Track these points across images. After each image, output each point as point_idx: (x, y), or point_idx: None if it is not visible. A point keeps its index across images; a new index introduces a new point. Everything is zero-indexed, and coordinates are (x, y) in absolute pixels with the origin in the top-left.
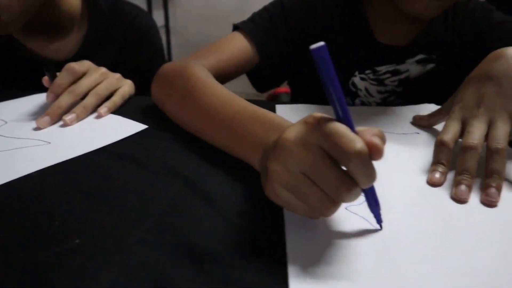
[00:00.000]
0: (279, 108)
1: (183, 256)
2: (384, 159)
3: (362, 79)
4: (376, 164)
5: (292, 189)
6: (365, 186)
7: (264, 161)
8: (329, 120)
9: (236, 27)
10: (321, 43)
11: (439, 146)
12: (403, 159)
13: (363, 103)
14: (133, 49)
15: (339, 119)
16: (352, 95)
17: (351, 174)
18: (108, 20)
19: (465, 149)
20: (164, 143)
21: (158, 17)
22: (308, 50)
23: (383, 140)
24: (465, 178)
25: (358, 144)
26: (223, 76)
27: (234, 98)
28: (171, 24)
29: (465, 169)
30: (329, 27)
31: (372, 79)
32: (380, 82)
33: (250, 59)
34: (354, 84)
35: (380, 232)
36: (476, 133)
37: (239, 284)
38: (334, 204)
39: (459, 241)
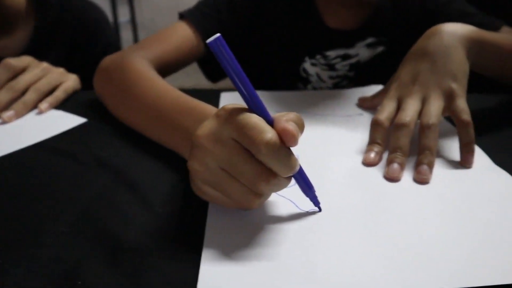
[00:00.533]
0: (224, 95)
1: (100, 247)
2: (324, 142)
3: (312, 64)
4: (315, 146)
5: (215, 185)
6: (286, 175)
7: None
8: (241, 111)
9: (181, 16)
10: (217, 35)
11: (374, 126)
12: (344, 141)
13: (315, 89)
14: (85, 43)
15: (250, 109)
16: (303, 81)
17: (267, 165)
18: (57, 15)
19: (397, 126)
20: (101, 137)
21: (123, 12)
22: (258, 36)
23: (300, 124)
24: (397, 156)
25: (268, 134)
26: (167, 67)
27: (168, 90)
28: (138, 19)
29: (398, 147)
30: (276, 12)
31: (323, 64)
32: (331, 67)
33: (195, 49)
34: (305, 70)
35: (308, 215)
36: (409, 110)
37: (150, 271)
38: (256, 196)
39: (390, 220)
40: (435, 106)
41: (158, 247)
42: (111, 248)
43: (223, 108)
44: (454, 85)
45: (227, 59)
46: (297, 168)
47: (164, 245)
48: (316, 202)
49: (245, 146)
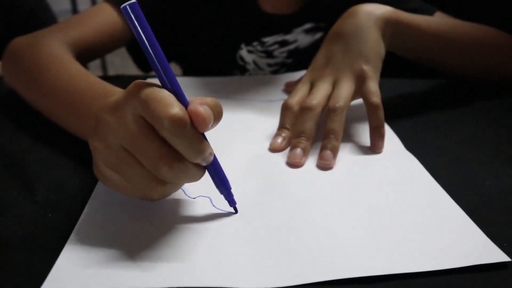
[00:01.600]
0: (151, 81)
1: None
2: (236, 127)
3: (249, 51)
4: (224, 131)
5: (115, 167)
6: (193, 160)
7: None
8: (151, 85)
9: None
10: (132, 1)
11: (284, 110)
12: (257, 126)
13: None
14: (20, 29)
15: (164, 86)
16: (240, 69)
17: (172, 145)
18: None
19: (303, 110)
20: (5, 123)
21: (84, 0)
22: (190, 22)
23: (217, 111)
24: (301, 141)
25: (174, 109)
26: (87, 52)
27: (82, 74)
28: None
29: (302, 132)
30: None
31: (260, 51)
32: (268, 54)
33: (120, 33)
34: (241, 58)
35: (195, 205)
36: (318, 94)
37: (5, 264)
38: (159, 183)
39: (289, 209)
40: (345, 89)
41: (21, 239)
42: None
43: (133, 82)
44: (365, 67)
45: (142, 28)
46: (208, 156)
47: (30, 236)
48: (231, 202)
49: (149, 121)
